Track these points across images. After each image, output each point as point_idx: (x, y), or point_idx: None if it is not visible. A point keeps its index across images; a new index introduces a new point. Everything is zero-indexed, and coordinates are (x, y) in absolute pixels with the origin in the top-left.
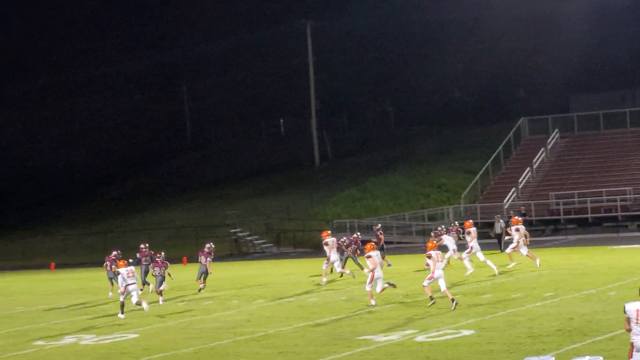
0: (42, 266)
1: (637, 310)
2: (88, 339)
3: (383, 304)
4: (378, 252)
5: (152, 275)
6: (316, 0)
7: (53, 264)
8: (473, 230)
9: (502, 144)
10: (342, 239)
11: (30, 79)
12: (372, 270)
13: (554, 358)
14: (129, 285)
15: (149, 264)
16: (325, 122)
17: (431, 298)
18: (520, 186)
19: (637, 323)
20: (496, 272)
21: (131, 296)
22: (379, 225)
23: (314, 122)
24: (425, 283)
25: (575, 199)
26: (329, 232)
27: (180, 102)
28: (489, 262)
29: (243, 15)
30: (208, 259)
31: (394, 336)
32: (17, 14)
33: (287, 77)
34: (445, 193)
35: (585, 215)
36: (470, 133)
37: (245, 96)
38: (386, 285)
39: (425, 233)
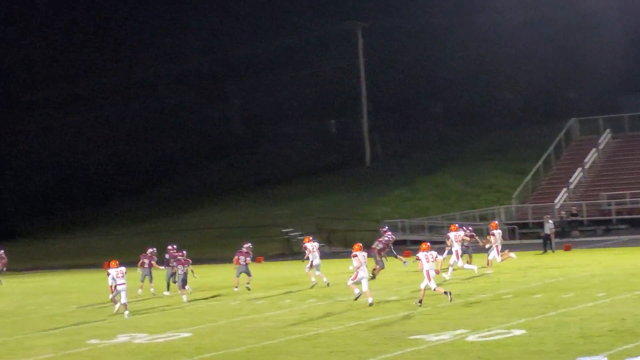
0: (95, 265)
1: None
2: (141, 338)
3: (434, 303)
4: (364, 253)
5: (178, 273)
6: (367, 2)
7: (106, 263)
8: (453, 235)
9: (553, 144)
10: (375, 244)
11: (83, 80)
12: (357, 269)
13: (606, 359)
14: (118, 285)
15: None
16: (376, 123)
17: (445, 292)
18: (572, 186)
19: None
20: (447, 277)
21: (120, 296)
22: (386, 227)
23: (364, 122)
24: (433, 286)
25: (627, 199)
26: (310, 237)
27: (232, 102)
28: (450, 270)
29: (295, 16)
30: (247, 259)
31: (445, 336)
32: (71, 17)
33: (338, 77)
34: (496, 193)
35: (637, 216)
36: (520, 133)
37: (296, 96)
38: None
39: (475, 233)
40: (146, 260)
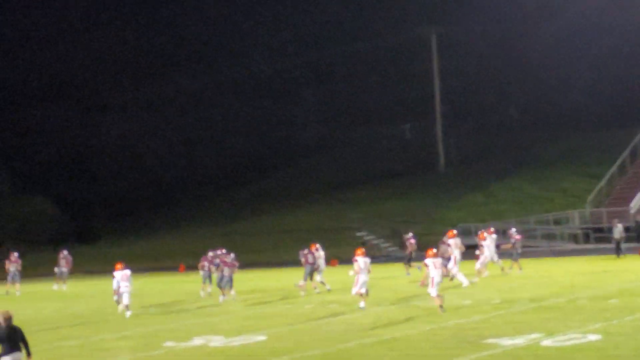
0: (171, 268)
1: None
2: (217, 341)
3: (509, 307)
4: (366, 259)
5: (224, 275)
6: (441, 7)
7: (182, 266)
8: (453, 242)
9: (629, 148)
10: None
11: (161, 84)
12: (357, 274)
13: None
14: (121, 287)
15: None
16: (450, 127)
17: (441, 307)
18: None
19: None
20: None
21: (122, 298)
22: (410, 233)
23: (439, 126)
24: (433, 293)
25: None
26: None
27: (307, 106)
28: (459, 276)
29: (370, 22)
30: (316, 253)
31: (520, 340)
32: (150, 19)
33: (413, 82)
34: (570, 197)
35: None
36: (595, 137)
37: (370, 100)
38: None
39: (549, 237)
40: (206, 263)
